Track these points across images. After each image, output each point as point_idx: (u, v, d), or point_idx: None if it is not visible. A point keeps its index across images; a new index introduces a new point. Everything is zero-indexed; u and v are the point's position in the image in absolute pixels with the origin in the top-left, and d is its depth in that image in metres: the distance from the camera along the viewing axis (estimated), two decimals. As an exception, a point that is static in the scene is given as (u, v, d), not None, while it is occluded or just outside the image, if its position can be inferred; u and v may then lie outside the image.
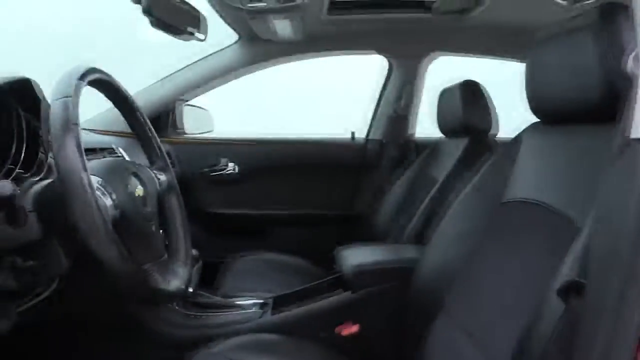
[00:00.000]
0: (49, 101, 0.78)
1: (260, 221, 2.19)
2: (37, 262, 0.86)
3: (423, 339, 1.06)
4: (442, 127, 1.81)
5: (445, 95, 1.77)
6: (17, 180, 0.84)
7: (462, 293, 1.01)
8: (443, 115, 1.79)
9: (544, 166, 0.93)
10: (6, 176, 0.83)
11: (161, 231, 1.01)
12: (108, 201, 0.82)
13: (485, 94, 1.67)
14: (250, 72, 2.04)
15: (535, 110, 0.96)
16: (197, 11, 1.33)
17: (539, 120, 0.99)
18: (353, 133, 2.18)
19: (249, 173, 2.12)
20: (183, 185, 1.33)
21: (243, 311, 1.34)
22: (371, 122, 2.20)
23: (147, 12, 1.13)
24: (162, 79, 1.98)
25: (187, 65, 1.97)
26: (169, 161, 1.12)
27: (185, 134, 2.09)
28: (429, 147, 1.92)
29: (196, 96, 2.07)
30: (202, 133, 2.17)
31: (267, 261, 1.86)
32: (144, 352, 1.28)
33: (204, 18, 1.36)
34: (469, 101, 1.63)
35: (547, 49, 0.89)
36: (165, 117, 2.01)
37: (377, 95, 2.17)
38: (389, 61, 2.08)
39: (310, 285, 1.39)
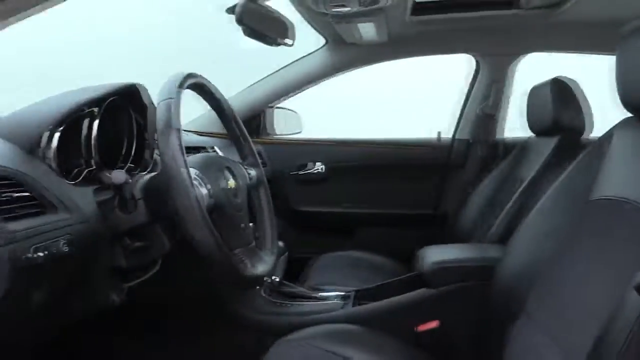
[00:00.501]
0: (155, 104, 0.89)
1: (346, 220, 2.24)
2: (143, 244, 0.98)
3: (503, 338, 1.05)
4: (532, 125, 1.75)
5: (535, 93, 1.72)
6: (129, 174, 0.97)
7: (544, 292, 0.99)
8: (533, 114, 1.73)
9: (635, 163, 0.89)
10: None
11: (250, 224, 1.10)
12: (204, 191, 0.92)
13: (578, 92, 1.60)
14: (338, 74, 2.10)
15: (627, 105, 0.92)
16: (286, 19, 1.42)
17: (631, 115, 0.95)
18: (439, 133, 2.17)
19: (335, 173, 2.19)
20: (273, 183, 1.43)
21: (325, 302, 1.40)
22: (458, 122, 2.17)
23: (240, 21, 1.24)
24: (254, 84, 2.11)
25: (277, 70, 2.08)
26: (259, 160, 1.22)
27: (276, 135, 2.21)
28: (517, 147, 1.87)
29: (286, 99, 2.17)
30: (292, 134, 2.28)
31: (351, 258, 1.90)
32: (232, 335, 1.38)
33: (292, 25, 1.44)
34: (560, 99, 1.57)
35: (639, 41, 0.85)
36: (257, 120, 2.14)
37: (464, 95, 2.14)
38: (476, 60, 2.05)
39: (391, 281, 1.42)
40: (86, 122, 0.96)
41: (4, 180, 0.74)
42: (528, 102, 1.75)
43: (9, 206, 0.73)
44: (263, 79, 2.10)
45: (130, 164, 1.07)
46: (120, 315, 1.15)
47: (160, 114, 0.85)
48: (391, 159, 2.19)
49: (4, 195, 0.73)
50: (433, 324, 1.30)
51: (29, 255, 0.71)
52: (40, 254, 0.72)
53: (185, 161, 0.83)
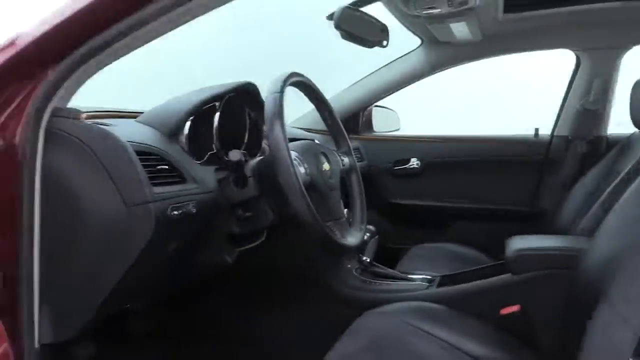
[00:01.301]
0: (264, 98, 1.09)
1: (441, 213, 2.30)
2: (252, 214, 1.19)
3: (583, 325, 1.08)
4: (635, 120, 1.70)
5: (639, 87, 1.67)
6: (243, 157, 1.18)
7: (626, 283, 1.01)
8: (637, 108, 1.68)
9: None
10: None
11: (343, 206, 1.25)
12: (302, 170, 1.10)
13: None
14: (434, 73, 2.19)
15: None
16: (380, 21, 1.55)
17: None
18: (537, 130, 2.16)
19: (431, 168, 2.27)
20: (369, 177, 1.57)
21: (411, 282, 1.51)
22: (557, 119, 2.15)
23: (338, 26, 1.40)
24: (353, 84, 2.27)
25: (375, 71, 2.22)
26: (357, 155, 1.38)
27: (374, 132, 2.35)
28: (620, 143, 1.81)
29: (384, 98, 2.31)
30: (390, 131, 2.40)
31: (444, 250, 1.97)
32: (323, 306, 1.54)
33: (386, 27, 1.57)
34: None
35: None
36: (356, 118, 2.30)
37: (563, 91, 2.11)
38: (576, 55, 2.01)
39: (477, 268, 1.49)
40: (210, 114, 1.19)
41: (150, 155, 0.98)
42: (632, 95, 1.70)
43: (154, 175, 0.95)
44: (362, 79, 2.25)
45: (245, 149, 1.29)
46: (228, 279, 1.36)
47: (268, 106, 1.04)
48: (487, 155, 2.22)
49: (150, 166, 0.96)
50: (514, 308, 1.35)
51: (168, 212, 0.93)
52: (176, 212, 0.94)
53: (287, 144, 1.02)
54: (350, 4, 1.47)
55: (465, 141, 2.28)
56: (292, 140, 1.43)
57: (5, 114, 0.88)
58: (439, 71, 2.18)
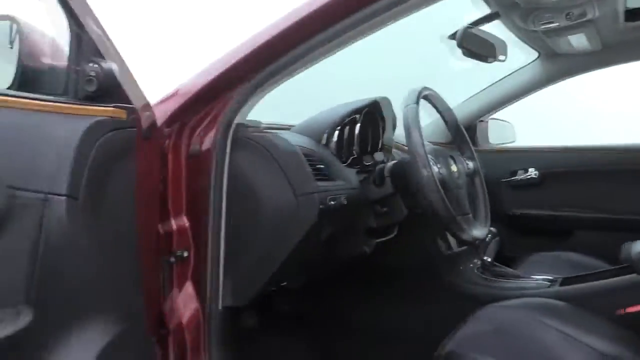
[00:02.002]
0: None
1: (559, 223, 2.30)
2: (388, 210, 1.38)
3: None
4: None
5: None
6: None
7: None
8: None
9: None
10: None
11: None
12: (435, 169, 1.28)
13: None
14: (550, 85, 2.23)
15: None
16: (498, 38, 1.68)
17: None
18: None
19: (550, 178, 2.28)
20: (487, 187, 1.67)
21: (533, 281, 1.59)
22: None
23: (460, 45, 1.56)
24: (469, 98, 2.38)
25: (490, 85, 2.32)
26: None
27: (489, 144, 2.44)
28: None
29: (499, 110, 2.39)
30: (505, 143, 2.47)
31: (563, 258, 1.97)
32: (445, 302, 1.65)
33: (504, 42, 1.70)
34: None
35: None
36: (471, 131, 2.40)
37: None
38: None
39: (600, 270, 1.53)
40: (352, 124, 1.41)
41: (311, 157, 1.21)
42: None
43: (314, 172, 1.18)
44: (478, 93, 2.36)
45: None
46: (363, 270, 1.55)
47: (405, 115, 1.23)
48: (607, 164, 2.20)
49: (311, 165, 1.19)
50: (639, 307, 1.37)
51: (327, 202, 1.15)
52: (332, 202, 1.16)
53: (424, 147, 1.20)
54: (470, 24, 1.62)
55: (585, 151, 2.28)
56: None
57: (203, 125, 1.15)
58: (556, 82, 2.22)
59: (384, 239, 1.46)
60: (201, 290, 1.13)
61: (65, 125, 0.85)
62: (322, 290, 1.69)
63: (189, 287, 1.12)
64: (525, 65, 2.23)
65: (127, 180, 0.93)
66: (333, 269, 1.49)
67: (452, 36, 1.60)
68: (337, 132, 1.34)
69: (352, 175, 1.33)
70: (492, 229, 1.75)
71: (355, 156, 1.40)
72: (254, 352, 1.48)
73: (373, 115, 1.46)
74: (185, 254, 1.09)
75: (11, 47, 0.88)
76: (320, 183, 1.16)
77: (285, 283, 1.37)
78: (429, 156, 1.28)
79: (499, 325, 1.25)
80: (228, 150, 1.12)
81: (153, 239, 1.03)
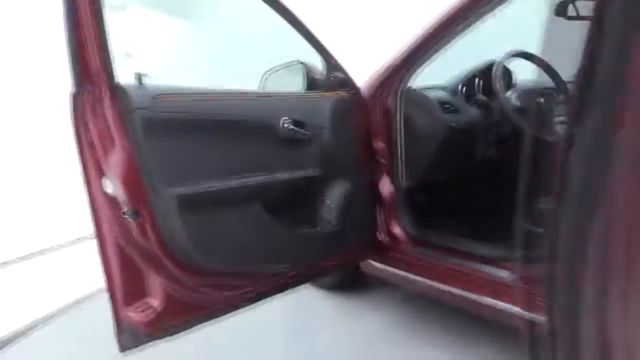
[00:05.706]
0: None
1: None
2: (497, 129, 2.26)
3: None
4: None
5: None
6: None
7: None
8: None
9: None
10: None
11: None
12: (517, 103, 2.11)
13: None
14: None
15: None
16: None
17: None
18: None
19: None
20: None
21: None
22: None
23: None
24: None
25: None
26: None
27: None
28: None
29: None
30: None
31: None
32: None
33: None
34: None
35: None
36: None
37: None
38: None
39: None
40: (473, 80, 2.33)
41: (443, 101, 2.19)
42: None
43: (445, 109, 2.15)
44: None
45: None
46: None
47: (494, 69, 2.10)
48: None
49: (444, 106, 2.16)
50: None
51: (451, 124, 2.12)
52: (453, 124, 2.13)
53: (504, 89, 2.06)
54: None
55: None
56: None
57: (389, 92, 2.16)
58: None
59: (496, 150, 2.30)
60: (393, 178, 2.15)
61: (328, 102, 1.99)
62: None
63: (386, 180, 2.18)
64: None
65: (353, 124, 2.04)
66: (462, 169, 2.39)
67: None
68: (465, 86, 2.26)
69: (473, 111, 2.25)
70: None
71: (478, 99, 2.29)
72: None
73: (488, 74, 2.31)
74: (383, 161, 2.16)
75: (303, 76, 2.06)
76: (446, 115, 2.12)
77: (442, 178, 2.34)
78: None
79: None
80: (401, 104, 2.15)
81: (370, 152, 2.13)
